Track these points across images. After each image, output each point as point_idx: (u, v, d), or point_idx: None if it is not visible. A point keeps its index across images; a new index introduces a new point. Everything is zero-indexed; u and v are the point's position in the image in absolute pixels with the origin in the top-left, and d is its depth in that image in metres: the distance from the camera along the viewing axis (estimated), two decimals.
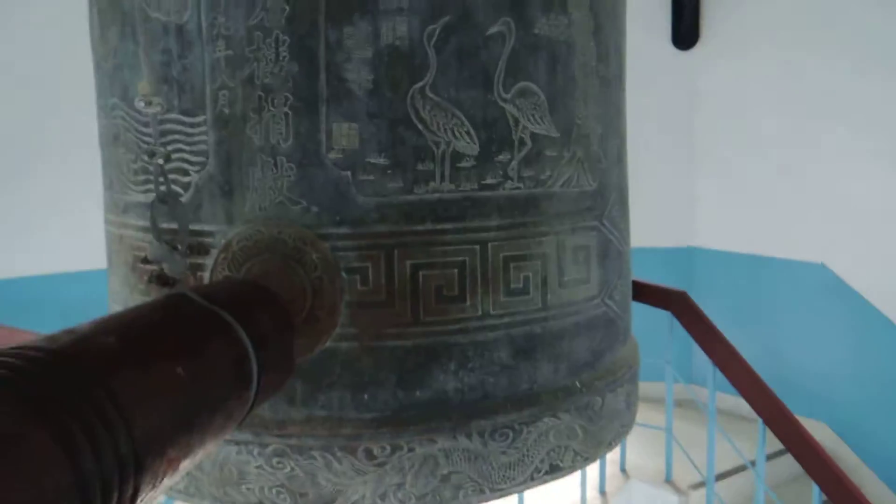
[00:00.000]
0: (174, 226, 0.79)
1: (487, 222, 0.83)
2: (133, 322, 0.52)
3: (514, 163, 0.84)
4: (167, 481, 0.44)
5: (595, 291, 0.96)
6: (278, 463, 0.82)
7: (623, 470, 3.13)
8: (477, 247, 0.83)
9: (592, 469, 2.98)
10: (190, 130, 0.85)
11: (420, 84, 0.79)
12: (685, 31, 3.94)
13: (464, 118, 0.81)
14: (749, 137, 3.78)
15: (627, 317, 1.08)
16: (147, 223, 0.88)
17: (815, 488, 2.10)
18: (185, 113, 0.84)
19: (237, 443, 0.83)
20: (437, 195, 0.81)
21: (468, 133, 0.81)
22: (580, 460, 0.94)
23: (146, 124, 0.84)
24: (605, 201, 0.98)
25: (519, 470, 0.88)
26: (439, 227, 0.82)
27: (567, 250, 0.91)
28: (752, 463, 2.67)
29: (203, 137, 0.84)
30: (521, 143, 0.85)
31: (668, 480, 3.03)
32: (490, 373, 0.86)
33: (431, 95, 0.80)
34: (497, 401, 0.86)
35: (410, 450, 0.82)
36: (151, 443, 0.42)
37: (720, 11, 3.90)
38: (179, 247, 0.72)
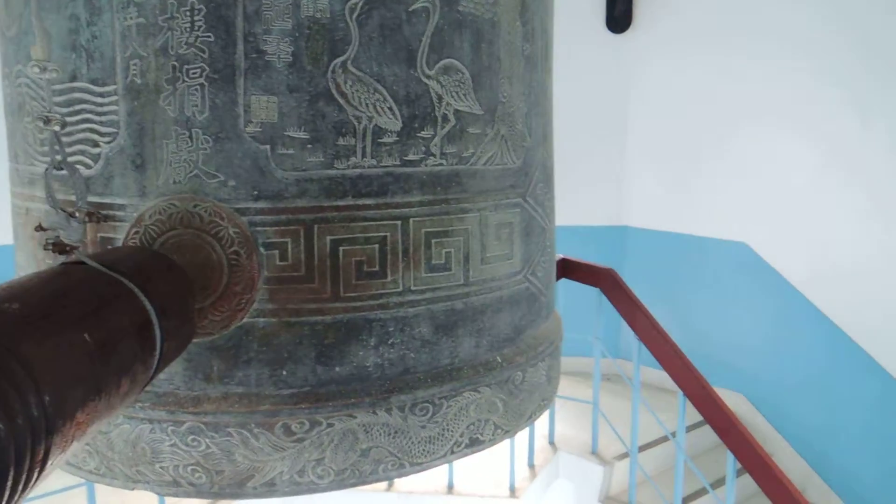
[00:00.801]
0: (71, 195, 0.76)
1: (409, 198, 0.83)
2: (35, 289, 0.51)
3: (436, 139, 0.84)
4: (76, 445, 0.44)
5: (518, 268, 0.97)
6: (193, 441, 0.81)
7: (552, 443, 3.21)
8: (398, 223, 0.83)
9: (521, 442, 3.03)
10: (99, 100, 0.81)
11: (342, 59, 0.78)
12: (619, 16, 4.00)
13: (386, 94, 0.80)
14: (679, 120, 3.88)
15: (550, 293, 1.10)
16: (56, 197, 0.85)
17: (730, 457, 2.20)
18: (93, 82, 0.81)
19: (150, 421, 0.81)
20: (358, 170, 0.81)
21: (390, 109, 0.81)
22: (500, 433, 0.96)
23: (66, 90, 0.81)
24: (529, 179, 0.99)
25: (439, 444, 0.89)
26: (360, 202, 0.81)
27: (490, 227, 0.92)
28: (674, 434, 2.78)
29: (114, 108, 0.81)
30: (445, 119, 0.84)
31: (594, 452, 3.12)
32: (411, 348, 0.86)
33: (353, 70, 0.79)
34: (417, 376, 0.86)
35: (329, 425, 0.82)
36: (61, 406, 0.42)
37: None
38: (77, 214, 0.70)
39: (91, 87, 0.80)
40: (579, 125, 3.97)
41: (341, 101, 0.78)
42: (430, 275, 0.86)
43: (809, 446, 3.37)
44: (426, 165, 0.84)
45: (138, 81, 0.79)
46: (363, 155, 0.80)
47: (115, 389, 0.49)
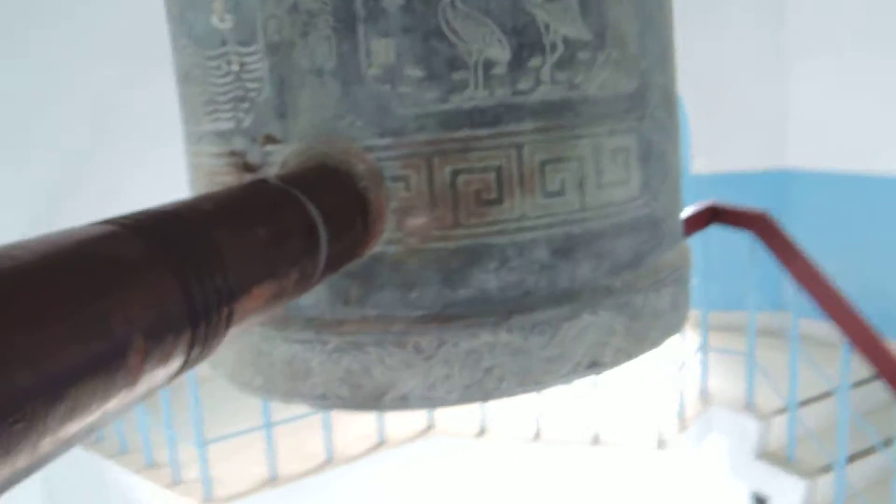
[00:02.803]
0: (251, 122, 0.89)
1: (522, 126, 0.87)
2: (224, 195, 0.68)
3: (546, 67, 0.87)
4: (254, 316, 0.59)
5: (636, 193, 0.98)
6: (337, 358, 0.90)
7: (704, 396, 3.13)
8: (513, 151, 0.87)
9: (671, 394, 2.98)
10: (247, 59, 0.92)
11: None
12: None
13: (494, 26, 0.84)
14: (846, 41, 3.54)
15: (675, 220, 1.10)
16: (219, 149, 0.97)
17: None
18: (241, 44, 0.91)
19: (302, 342, 0.92)
20: (472, 103, 0.85)
21: (499, 41, 0.85)
22: (622, 356, 0.98)
23: (215, 50, 0.93)
24: (646, 103, 0.99)
25: (559, 364, 0.93)
26: (475, 133, 0.86)
27: (604, 152, 0.93)
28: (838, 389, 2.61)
29: (258, 65, 0.91)
30: (553, 47, 0.87)
31: (750, 406, 3.00)
32: (530, 271, 0.90)
33: (461, 6, 0.83)
34: (537, 298, 0.91)
35: (455, 344, 0.89)
36: (242, 280, 0.56)
37: None
38: (257, 139, 0.83)
39: (240, 48, 0.91)
40: (733, 54, 3.73)
41: (452, 37, 0.83)
42: (546, 200, 0.90)
43: None
44: (537, 94, 0.87)
45: (276, 38, 0.88)
46: (476, 87, 0.85)
47: (286, 276, 0.65)
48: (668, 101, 1.05)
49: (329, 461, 3.31)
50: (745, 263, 2.70)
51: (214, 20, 0.87)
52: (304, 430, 3.37)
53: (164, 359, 0.45)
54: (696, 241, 3.84)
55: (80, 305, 0.41)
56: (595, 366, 0.96)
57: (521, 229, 0.89)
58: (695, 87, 4.11)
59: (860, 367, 2.33)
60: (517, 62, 0.86)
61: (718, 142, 4.22)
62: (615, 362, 0.98)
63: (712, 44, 3.96)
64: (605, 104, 0.93)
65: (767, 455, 2.94)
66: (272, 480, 3.21)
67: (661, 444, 2.87)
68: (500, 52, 0.85)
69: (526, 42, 0.85)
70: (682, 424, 2.98)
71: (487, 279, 0.89)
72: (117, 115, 3.93)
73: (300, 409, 3.28)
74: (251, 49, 0.91)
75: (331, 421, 3.31)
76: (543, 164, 0.89)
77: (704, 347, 3.10)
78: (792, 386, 2.60)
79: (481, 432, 3.42)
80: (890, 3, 3.38)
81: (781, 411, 2.90)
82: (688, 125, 4.50)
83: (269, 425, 3.16)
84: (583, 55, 0.89)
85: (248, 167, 0.82)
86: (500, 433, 3.37)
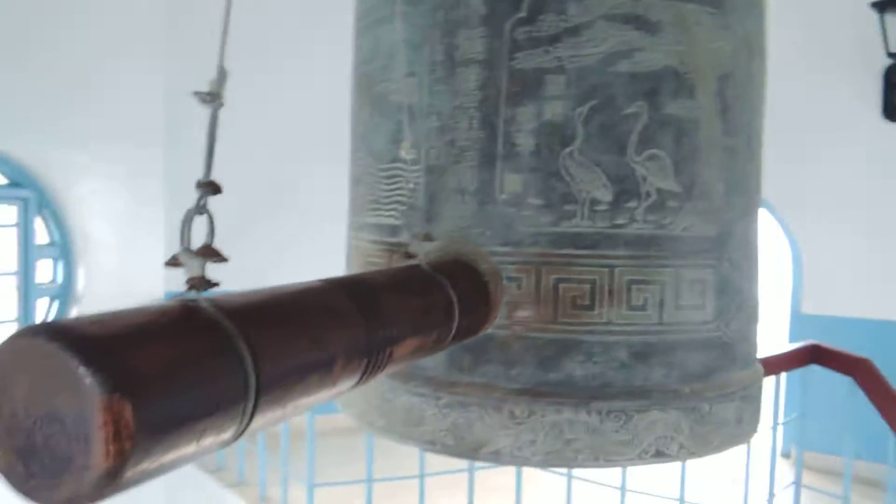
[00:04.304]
0: (405, 221, 1.18)
1: (615, 252, 1.10)
2: (392, 273, 0.98)
3: (640, 209, 1.11)
4: (402, 361, 0.82)
5: (710, 317, 1.18)
6: (447, 412, 1.14)
7: None
8: (606, 269, 1.10)
9: None
10: (410, 175, 1.22)
11: (569, 148, 1.09)
12: None
13: (602, 174, 1.10)
14: None
15: (747, 346, 1.27)
16: (375, 237, 1.27)
17: None
18: (407, 163, 1.22)
19: (420, 395, 1.16)
20: (577, 229, 1.10)
21: (604, 185, 1.10)
22: (685, 452, 1.15)
23: (386, 165, 1.23)
24: (725, 246, 1.20)
25: (629, 448, 1.11)
26: (577, 252, 1.10)
27: (684, 281, 1.15)
28: None
29: (418, 180, 1.20)
30: (648, 195, 1.11)
31: None
32: (610, 367, 1.11)
33: (578, 157, 1.09)
34: (614, 389, 1.11)
35: (542, 416, 1.10)
36: (400, 332, 0.82)
37: None
38: (417, 235, 1.10)
39: (407, 166, 1.21)
40: (853, 212, 3.81)
41: (567, 178, 1.09)
42: (629, 312, 1.12)
43: None
44: (631, 229, 1.11)
45: (434, 163, 1.18)
46: (581, 218, 1.10)
47: (428, 336, 0.88)
48: (748, 247, 1.25)
49: None
50: (845, 408, 2.70)
51: (402, 153, 1.17)
52: (401, 491, 3.61)
53: (352, 374, 0.71)
54: (796, 379, 3.80)
55: (313, 330, 0.67)
56: (660, 455, 1.13)
57: (607, 332, 1.11)
58: (807, 232, 4.21)
59: None
60: (616, 203, 1.10)
61: (829, 286, 4.26)
62: (679, 457, 1.15)
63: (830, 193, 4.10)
64: (688, 243, 1.14)
65: None
66: None
67: None
68: (604, 194, 1.10)
69: (625, 188, 1.10)
70: None
71: (574, 367, 1.11)
72: (283, 193, 4.66)
73: (401, 470, 3.54)
74: (415, 168, 1.21)
75: (425, 488, 3.54)
76: (630, 283, 1.11)
77: (798, 484, 3.07)
78: None
79: None
80: None
81: None
82: (801, 267, 4.59)
83: (370, 480, 3.43)
84: (672, 203, 1.12)
85: (408, 255, 1.10)
86: None
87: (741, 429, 1.24)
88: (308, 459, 3.58)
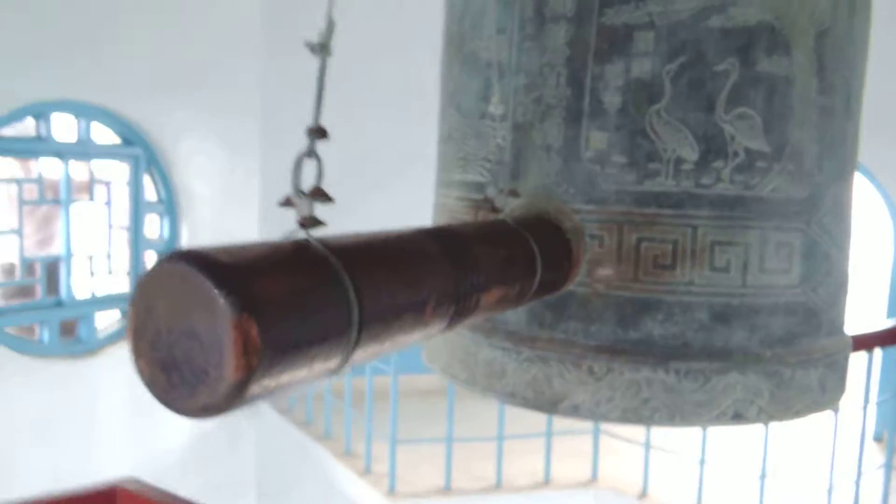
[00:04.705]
0: (491, 177, 1.20)
1: (699, 212, 1.10)
2: (480, 226, 1.01)
3: (726, 169, 1.10)
4: (487, 310, 0.85)
5: (795, 282, 1.16)
6: (528, 367, 1.17)
7: None
8: (689, 229, 1.10)
9: None
10: (497, 132, 1.24)
11: (656, 106, 1.09)
12: None
13: (688, 133, 1.09)
14: None
15: (835, 313, 1.25)
16: (461, 194, 1.30)
17: None
18: (495, 120, 1.24)
19: (502, 349, 1.20)
20: (661, 188, 1.10)
21: (691, 144, 1.09)
22: (765, 416, 1.15)
23: (475, 121, 1.26)
24: (816, 209, 1.17)
25: (706, 409, 1.12)
26: (661, 211, 1.10)
27: (770, 243, 1.13)
28: None
29: (505, 137, 1.22)
30: (735, 154, 1.10)
31: None
32: (690, 328, 1.12)
33: (664, 115, 1.09)
34: (693, 350, 1.12)
35: (620, 373, 1.12)
36: (487, 281, 0.85)
37: None
38: (504, 190, 1.13)
39: (494, 122, 1.23)
40: None
41: (653, 136, 1.09)
42: (711, 273, 1.11)
43: None
44: (716, 189, 1.10)
45: (521, 120, 1.19)
46: (666, 177, 1.10)
47: (511, 287, 0.93)
48: (840, 212, 1.22)
49: (498, 487, 3.65)
50: None
51: (490, 109, 1.20)
52: (479, 452, 3.74)
53: (441, 317, 0.75)
54: (892, 358, 3.64)
55: (407, 273, 0.72)
56: (739, 418, 1.14)
57: (688, 293, 1.11)
58: None
59: None
60: (703, 162, 1.09)
61: None
62: (758, 420, 1.15)
63: None
64: (775, 205, 1.13)
65: None
66: (446, 491, 3.60)
67: None
68: (690, 153, 1.09)
69: (712, 148, 1.09)
70: None
71: (654, 327, 1.12)
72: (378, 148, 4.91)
73: (479, 431, 3.67)
74: (502, 125, 1.23)
75: (503, 451, 3.66)
76: (714, 244, 1.11)
77: (888, 466, 2.97)
78: None
79: (643, 495, 3.57)
80: None
81: None
82: None
83: (450, 440, 3.56)
84: (760, 164, 1.11)
85: (494, 209, 1.13)
86: (663, 498, 3.51)
87: (824, 396, 1.23)
88: (391, 417, 3.74)
